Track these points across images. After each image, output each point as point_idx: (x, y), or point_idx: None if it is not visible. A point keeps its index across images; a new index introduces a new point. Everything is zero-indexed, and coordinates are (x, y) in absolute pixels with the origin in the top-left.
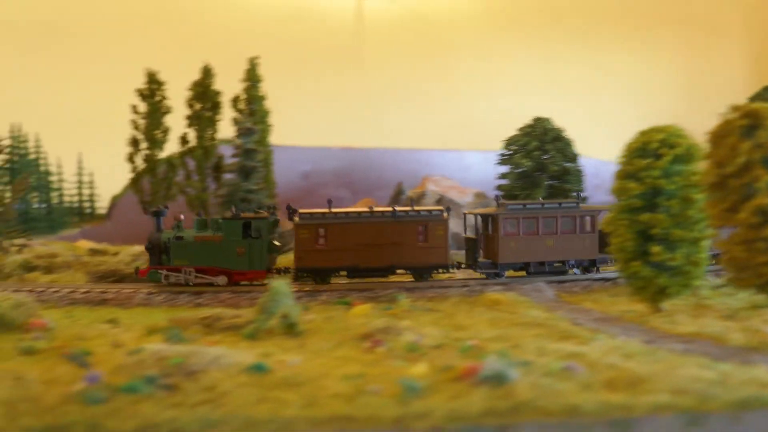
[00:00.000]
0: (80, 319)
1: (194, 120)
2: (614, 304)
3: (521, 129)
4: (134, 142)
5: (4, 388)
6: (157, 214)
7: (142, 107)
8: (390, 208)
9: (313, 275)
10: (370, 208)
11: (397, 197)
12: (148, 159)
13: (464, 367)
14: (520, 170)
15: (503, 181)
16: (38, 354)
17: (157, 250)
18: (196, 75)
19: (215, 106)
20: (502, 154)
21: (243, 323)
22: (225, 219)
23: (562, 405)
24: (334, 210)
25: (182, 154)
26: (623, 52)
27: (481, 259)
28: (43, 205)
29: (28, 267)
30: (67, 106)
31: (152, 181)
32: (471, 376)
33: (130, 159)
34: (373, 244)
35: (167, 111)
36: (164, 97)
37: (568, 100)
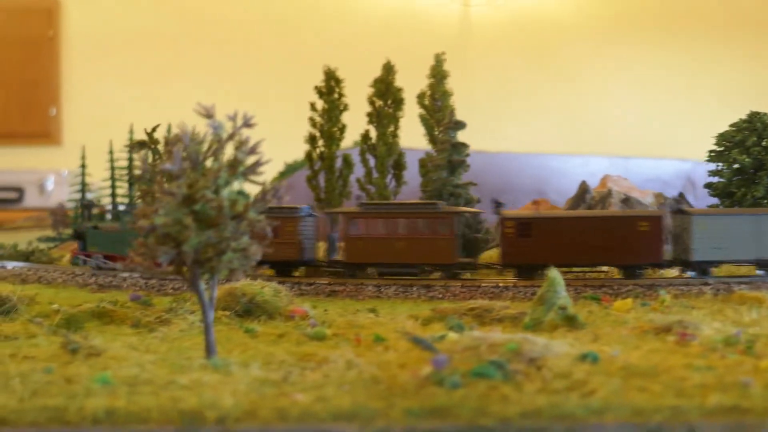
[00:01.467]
0: (327, 308)
1: (375, 117)
2: None
3: (734, 125)
4: (312, 140)
5: (342, 371)
6: (88, 207)
7: (320, 104)
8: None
9: None
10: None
11: (582, 196)
12: (325, 156)
13: None
14: (734, 167)
15: (714, 179)
16: (328, 340)
17: (82, 238)
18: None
19: (397, 103)
20: (712, 151)
21: (515, 314)
22: (122, 211)
23: None
24: None
25: (363, 152)
26: (738, 57)
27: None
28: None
29: None
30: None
31: (327, 179)
32: None
33: (308, 156)
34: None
35: (345, 108)
36: (342, 95)
37: (687, 102)
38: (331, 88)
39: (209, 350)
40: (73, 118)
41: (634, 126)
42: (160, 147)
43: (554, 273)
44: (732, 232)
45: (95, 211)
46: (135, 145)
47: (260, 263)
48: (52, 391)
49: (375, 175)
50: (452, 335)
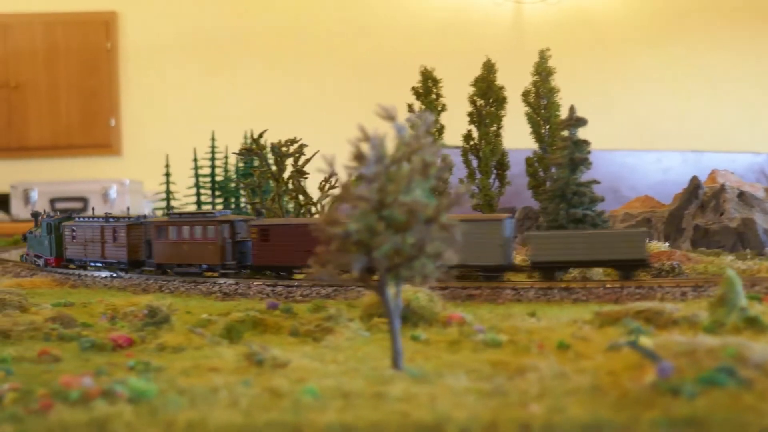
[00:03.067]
0: (475, 312)
1: (476, 116)
2: None
3: None
4: None
5: (554, 380)
6: (36, 216)
7: (417, 105)
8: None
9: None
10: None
11: (694, 192)
12: None
13: None
14: None
15: None
16: (503, 348)
17: (26, 241)
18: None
19: (499, 102)
20: None
21: (686, 317)
22: (44, 220)
23: None
24: (90, 215)
25: (465, 152)
26: None
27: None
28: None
29: None
30: (300, 106)
31: None
32: None
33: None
34: (95, 241)
35: (443, 109)
36: (440, 95)
37: (760, 95)
38: (428, 88)
39: (397, 360)
40: (131, 129)
41: (707, 120)
42: (266, 153)
43: (732, 273)
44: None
45: (40, 218)
46: (243, 152)
47: (102, 262)
48: (266, 404)
49: (478, 175)
50: (644, 340)
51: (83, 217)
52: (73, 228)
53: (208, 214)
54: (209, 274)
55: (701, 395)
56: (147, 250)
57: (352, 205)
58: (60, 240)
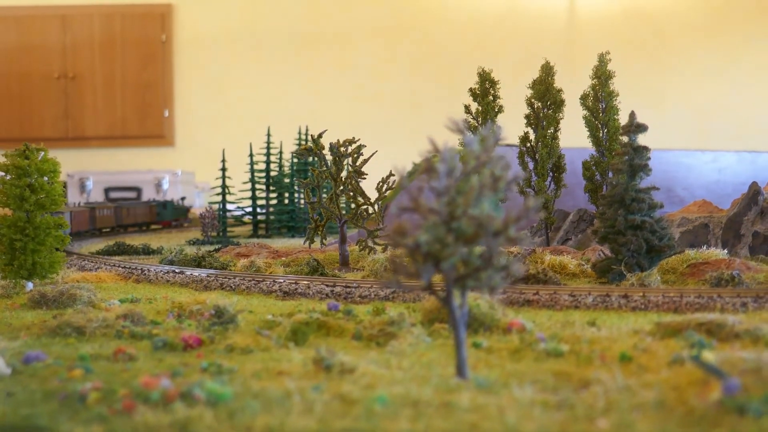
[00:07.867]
0: (533, 320)
1: (533, 119)
2: None
3: None
4: None
5: (619, 393)
6: None
7: (474, 107)
8: None
9: None
10: None
11: (754, 198)
12: None
13: None
14: None
15: None
16: (565, 358)
17: None
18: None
19: (557, 104)
20: None
21: (749, 330)
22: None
23: None
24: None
25: (522, 154)
26: None
27: None
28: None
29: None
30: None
31: None
32: None
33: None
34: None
35: (500, 110)
36: (497, 96)
37: None
38: (485, 90)
39: (462, 368)
40: (184, 120)
41: (764, 119)
42: (326, 153)
43: None
44: None
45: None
46: (303, 152)
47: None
48: (339, 411)
49: (535, 177)
50: (707, 354)
51: None
52: None
53: None
54: (269, 272)
55: None
56: None
57: (422, 216)
58: None
